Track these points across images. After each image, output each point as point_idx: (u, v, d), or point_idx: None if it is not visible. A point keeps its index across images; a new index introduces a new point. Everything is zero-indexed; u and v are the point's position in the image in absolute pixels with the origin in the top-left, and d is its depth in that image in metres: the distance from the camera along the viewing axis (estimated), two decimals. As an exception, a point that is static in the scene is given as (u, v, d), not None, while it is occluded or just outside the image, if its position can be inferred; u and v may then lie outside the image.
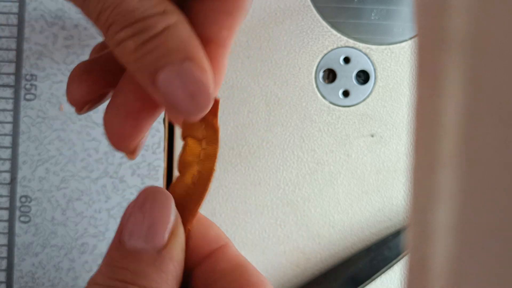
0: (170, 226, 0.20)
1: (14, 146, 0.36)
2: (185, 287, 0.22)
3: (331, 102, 0.39)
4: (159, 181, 0.37)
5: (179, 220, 0.21)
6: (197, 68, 0.20)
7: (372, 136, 0.39)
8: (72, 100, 0.24)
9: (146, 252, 0.20)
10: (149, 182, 0.37)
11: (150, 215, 0.20)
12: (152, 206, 0.21)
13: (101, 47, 0.28)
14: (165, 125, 0.38)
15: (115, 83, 0.24)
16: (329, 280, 0.37)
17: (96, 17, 0.20)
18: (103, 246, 0.36)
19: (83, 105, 0.25)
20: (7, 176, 0.36)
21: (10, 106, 0.36)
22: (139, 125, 0.24)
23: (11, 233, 0.36)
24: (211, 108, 0.21)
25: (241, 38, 0.39)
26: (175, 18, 0.20)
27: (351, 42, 0.39)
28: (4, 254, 0.36)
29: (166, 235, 0.20)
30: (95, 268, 0.36)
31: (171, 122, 0.38)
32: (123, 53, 0.20)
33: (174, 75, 0.20)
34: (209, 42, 0.23)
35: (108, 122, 0.23)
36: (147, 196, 0.21)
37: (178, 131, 0.38)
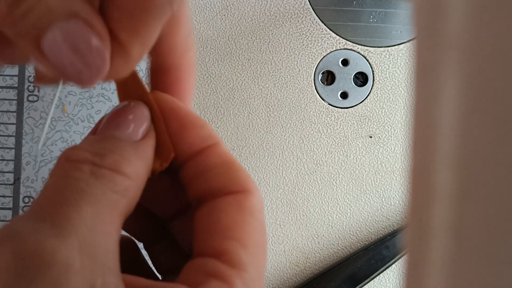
0: (146, 125, 0.21)
1: (18, 147, 0.37)
2: (175, 181, 0.22)
3: (330, 104, 0.39)
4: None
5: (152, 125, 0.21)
6: (85, 26, 0.17)
7: (371, 137, 0.39)
8: None
9: (125, 138, 0.20)
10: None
11: (129, 111, 0.20)
12: (132, 107, 0.21)
13: None
14: (166, 126, 0.38)
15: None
16: (328, 279, 0.37)
17: None
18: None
19: None
20: (10, 177, 0.36)
21: (13, 107, 0.37)
22: None
23: (14, 233, 0.36)
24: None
25: (241, 40, 0.39)
26: None
27: (349, 44, 0.39)
28: (8, 254, 0.36)
29: (142, 131, 0.20)
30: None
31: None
32: None
33: (60, 36, 0.17)
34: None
35: None
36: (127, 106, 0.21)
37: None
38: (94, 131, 0.20)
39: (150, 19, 0.19)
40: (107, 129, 0.20)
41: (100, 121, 0.20)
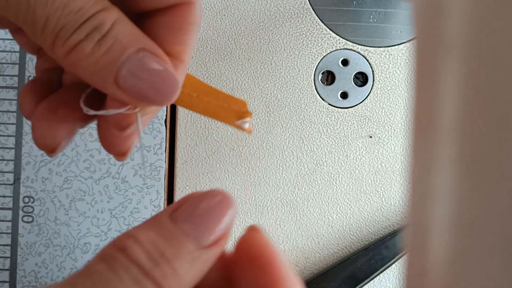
0: (220, 233, 0.19)
1: (18, 147, 0.37)
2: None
3: (330, 104, 0.39)
4: (161, 182, 0.38)
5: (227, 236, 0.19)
6: (154, 57, 0.20)
7: (371, 137, 0.39)
8: (43, 146, 0.22)
9: (191, 241, 0.18)
10: (151, 183, 0.37)
11: (212, 210, 0.19)
12: (219, 207, 0.19)
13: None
14: (166, 126, 0.38)
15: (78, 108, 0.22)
16: (328, 279, 0.37)
17: (43, 25, 0.19)
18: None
19: (56, 147, 0.22)
20: (10, 177, 0.37)
21: (13, 107, 0.37)
22: (70, 131, 0.22)
23: (14, 233, 0.36)
24: None
25: (241, 40, 0.39)
26: (116, 13, 0.20)
27: (349, 44, 0.40)
28: (8, 254, 0.36)
29: (214, 238, 0.19)
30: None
31: (172, 123, 0.38)
32: (78, 59, 0.19)
33: (135, 69, 0.19)
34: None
35: (38, 124, 0.22)
36: (220, 198, 0.19)
37: (179, 132, 0.38)
38: (175, 208, 0.19)
39: (193, 30, 0.22)
40: (185, 221, 0.18)
41: (190, 198, 0.19)
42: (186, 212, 0.19)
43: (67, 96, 0.22)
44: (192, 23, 0.22)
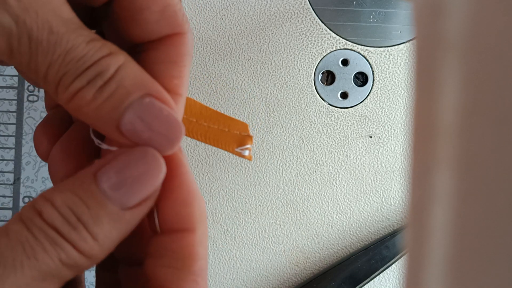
0: (146, 195, 0.19)
1: (18, 147, 0.37)
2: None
3: (330, 104, 0.39)
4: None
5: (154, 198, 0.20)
6: (159, 102, 0.19)
7: (370, 137, 0.39)
8: (59, 181, 0.22)
9: (112, 202, 0.18)
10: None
11: (140, 176, 0.19)
12: (146, 168, 0.19)
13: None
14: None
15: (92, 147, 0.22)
16: (328, 279, 0.37)
17: (45, 72, 0.18)
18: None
19: None
20: (10, 177, 0.37)
21: (13, 107, 0.37)
22: (83, 165, 0.22)
23: (14, 233, 0.36)
24: None
25: (241, 41, 0.39)
26: (123, 58, 0.19)
27: (349, 44, 0.40)
28: (8, 254, 0.36)
29: (138, 200, 0.19)
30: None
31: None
32: (80, 105, 0.19)
33: (137, 116, 0.19)
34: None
35: (53, 165, 0.22)
36: (147, 158, 0.19)
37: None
38: (100, 166, 0.19)
39: (188, 60, 0.22)
40: (109, 182, 0.18)
41: (118, 158, 0.19)
42: (110, 173, 0.18)
43: (79, 133, 0.22)
44: (185, 54, 0.22)
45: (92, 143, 0.21)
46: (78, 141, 0.22)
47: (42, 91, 0.37)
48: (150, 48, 0.21)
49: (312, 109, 0.39)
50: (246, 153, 0.24)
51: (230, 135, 0.24)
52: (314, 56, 0.39)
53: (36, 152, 0.23)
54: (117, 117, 0.19)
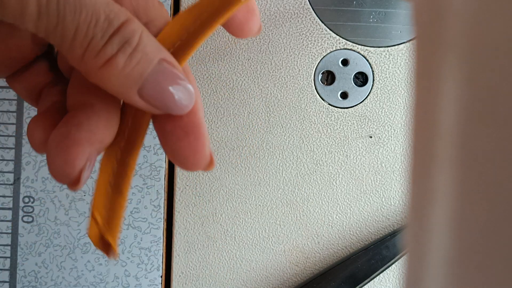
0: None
1: (18, 147, 0.37)
2: None
3: (330, 104, 0.39)
4: (161, 182, 0.38)
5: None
6: (172, 67, 0.20)
7: (371, 137, 0.39)
8: (63, 177, 0.20)
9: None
10: (151, 183, 0.37)
11: None
12: None
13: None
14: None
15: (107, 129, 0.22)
16: (328, 279, 0.37)
17: (72, 36, 0.18)
18: (105, 246, 0.37)
19: (78, 175, 0.21)
20: (10, 177, 0.37)
21: (13, 107, 0.37)
22: (88, 155, 0.21)
23: (14, 233, 0.36)
24: None
25: (241, 40, 0.39)
26: (140, 25, 0.20)
27: (349, 44, 0.40)
28: (8, 254, 0.36)
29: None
30: (97, 268, 0.37)
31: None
32: (110, 73, 0.19)
33: (158, 81, 0.20)
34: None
35: (52, 154, 0.21)
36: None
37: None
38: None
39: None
40: None
41: None
42: None
43: (76, 118, 0.21)
44: (199, 127, 0.22)
45: (92, 130, 0.21)
46: (78, 126, 0.21)
47: (42, 91, 0.37)
48: None
49: (312, 109, 0.39)
50: None
51: None
52: (314, 56, 0.39)
53: (32, 146, 0.23)
54: (140, 83, 0.20)
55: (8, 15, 0.18)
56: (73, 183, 0.21)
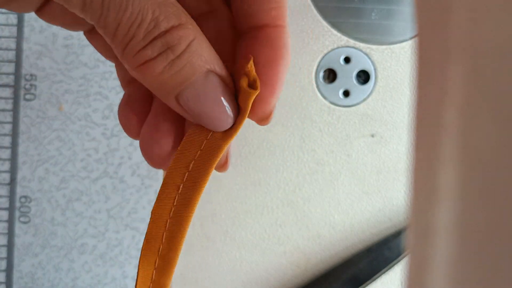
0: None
1: (14, 146, 0.36)
2: None
3: (331, 102, 0.39)
4: (159, 181, 0.37)
5: None
6: (219, 82, 0.20)
7: (373, 136, 0.39)
8: (154, 161, 0.22)
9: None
10: (149, 182, 0.37)
11: None
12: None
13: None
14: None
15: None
16: (330, 280, 0.37)
17: (114, 31, 0.18)
18: (103, 247, 0.36)
19: (166, 158, 0.23)
20: (6, 177, 0.36)
21: (9, 106, 0.36)
22: (175, 139, 0.22)
23: (10, 234, 0.36)
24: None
25: (241, 38, 0.39)
26: (193, 32, 0.19)
27: (351, 42, 0.39)
28: (4, 255, 0.36)
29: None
30: (94, 269, 0.36)
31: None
32: (147, 75, 0.19)
33: (197, 93, 0.19)
34: (264, 26, 0.21)
35: (145, 144, 0.22)
36: None
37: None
38: None
39: (286, 52, 0.22)
40: None
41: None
42: None
43: (162, 108, 0.23)
44: (283, 46, 0.22)
45: (177, 119, 0.22)
46: (166, 117, 0.22)
47: (39, 90, 0.37)
48: (246, 38, 0.22)
49: (313, 107, 0.39)
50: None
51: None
52: (315, 54, 0.39)
53: (125, 132, 0.24)
54: (179, 91, 0.19)
55: None
56: (160, 164, 0.22)
